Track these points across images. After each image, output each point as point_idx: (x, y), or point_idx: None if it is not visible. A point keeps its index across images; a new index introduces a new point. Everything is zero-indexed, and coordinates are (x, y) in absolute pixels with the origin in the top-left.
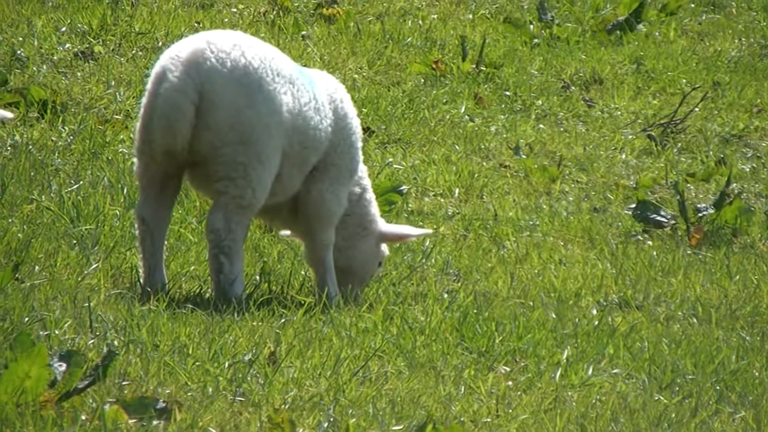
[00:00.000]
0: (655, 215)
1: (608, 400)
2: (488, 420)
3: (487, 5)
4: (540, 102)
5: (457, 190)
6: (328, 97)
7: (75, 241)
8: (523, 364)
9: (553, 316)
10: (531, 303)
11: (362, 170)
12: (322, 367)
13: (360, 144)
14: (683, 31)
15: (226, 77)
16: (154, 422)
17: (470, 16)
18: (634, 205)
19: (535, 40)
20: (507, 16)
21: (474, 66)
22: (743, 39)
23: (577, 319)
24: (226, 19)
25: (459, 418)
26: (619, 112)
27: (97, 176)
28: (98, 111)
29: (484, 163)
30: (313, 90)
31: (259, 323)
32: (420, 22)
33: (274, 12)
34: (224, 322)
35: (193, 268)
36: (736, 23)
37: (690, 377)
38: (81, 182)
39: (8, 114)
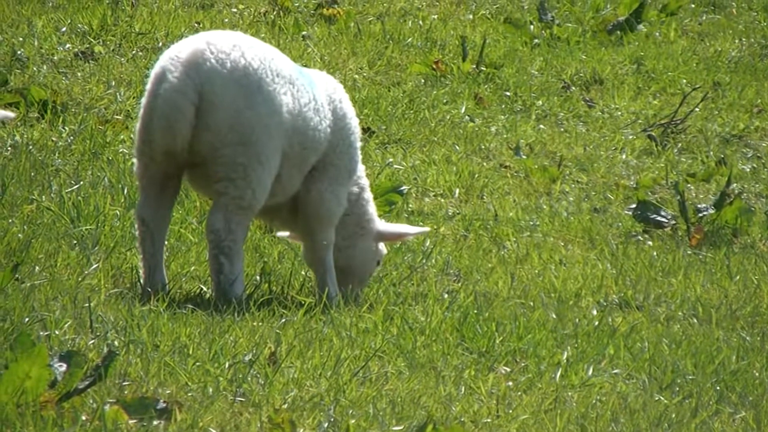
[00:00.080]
0: (655, 215)
1: (608, 401)
2: (488, 420)
3: (487, 5)
4: (540, 102)
5: (457, 191)
6: (327, 98)
7: (75, 242)
8: (523, 364)
9: (554, 316)
10: (531, 303)
11: (360, 170)
12: (323, 368)
13: (359, 144)
14: (683, 32)
15: (225, 78)
16: (155, 422)
17: (470, 17)
18: (634, 206)
19: (536, 41)
20: (507, 17)
21: (474, 66)
22: (743, 39)
23: (577, 320)
24: (227, 20)
25: (459, 419)
26: (619, 113)
27: (98, 176)
28: (98, 111)
29: (485, 164)
30: (313, 90)
31: (260, 323)
32: (420, 22)
33: (275, 12)
34: (224, 322)
35: (193, 268)
36: (737, 23)
37: (690, 377)
38: (81, 182)
39: (9, 114)
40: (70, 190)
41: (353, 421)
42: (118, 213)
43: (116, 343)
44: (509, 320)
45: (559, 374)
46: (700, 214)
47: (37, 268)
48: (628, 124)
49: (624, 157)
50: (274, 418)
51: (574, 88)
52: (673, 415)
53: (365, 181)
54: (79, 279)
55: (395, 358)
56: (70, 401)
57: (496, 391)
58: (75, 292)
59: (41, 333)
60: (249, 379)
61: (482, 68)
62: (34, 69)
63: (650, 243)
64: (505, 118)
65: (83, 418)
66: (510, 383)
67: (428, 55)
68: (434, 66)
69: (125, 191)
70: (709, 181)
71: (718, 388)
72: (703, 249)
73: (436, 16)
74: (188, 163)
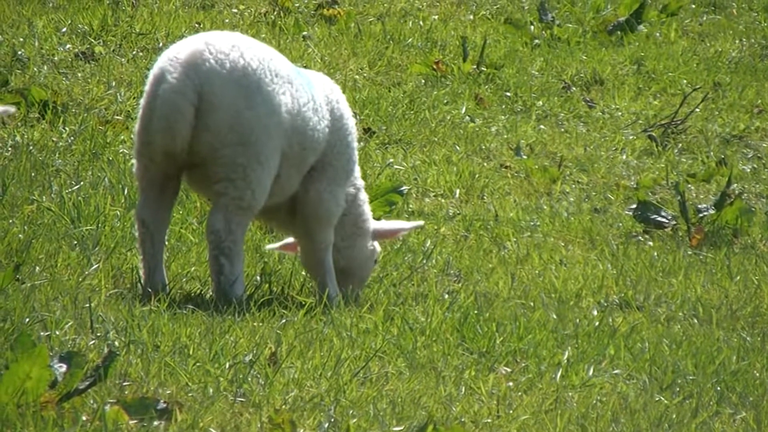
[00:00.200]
0: (655, 216)
1: (609, 401)
2: (489, 421)
3: (487, 6)
4: (541, 103)
5: (457, 191)
6: (324, 98)
7: (76, 242)
8: (523, 364)
9: (554, 316)
10: (532, 304)
11: (356, 171)
12: (323, 368)
13: (356, 144)
14: (684, 32)
15: (225, 78)
16: (155, 423)
17: (471, 17)
18: (634, 206)
19: (536, 41)
20: (508, 17)
21: (475, 67)
22: (744, 40)
23: (577, 320)
24: (227, 20)
25: (460, 419)
26: (619, 113)
27: (98, 177)
28: (99, 111)
29: (485, 164)
30: (311, 91)
31: (260, 324)
32: (421, 22)
33: (275, 12)
34: (225, 322)
35: (193, 268)
36: (737, 24)
37: (691, 378)
38: (82, 183)
39: (10, 108)
40: (70, 190)
41: (353, 421)
42: (119, 213)
43: (116, 343)
44: (510, 320)
45: (559, 374)
46: (701, 215)
47: (37, 268)
48: (628, 124)
49: (624, 157)
50: (274, 418)
51: (574, 88)
52: (674, 416)
53: (361, 182)
54: (80, 279)
55: (395, 359)
56: (71, 401)
57: (496, 391)
58: (75, 293)
59: (42, 333)
60: (249, 379)
61: (483, 69)
62: (35, 69)
63: (651, 243)
64: (506, 119)
65: (84, 418)
66: (510, 383)
67: (429, 55)
68: (435, 66)
69: (125, 192)
70: (710, 182)
71: (718, 388)
72: (703, 249)
73: (436, 17)
74: (188, 163)
